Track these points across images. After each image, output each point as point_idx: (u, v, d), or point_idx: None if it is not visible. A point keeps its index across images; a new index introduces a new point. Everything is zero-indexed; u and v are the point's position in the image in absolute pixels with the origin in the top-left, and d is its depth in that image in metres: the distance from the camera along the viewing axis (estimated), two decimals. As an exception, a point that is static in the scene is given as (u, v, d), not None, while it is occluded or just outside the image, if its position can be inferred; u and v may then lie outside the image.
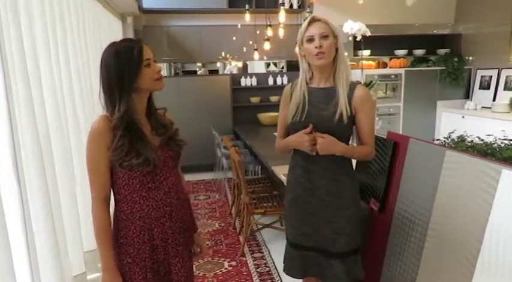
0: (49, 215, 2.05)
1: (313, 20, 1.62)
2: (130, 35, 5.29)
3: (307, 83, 1.70)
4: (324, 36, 1.58)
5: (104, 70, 1.31)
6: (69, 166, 2.51)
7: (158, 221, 1.37)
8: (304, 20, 1.71)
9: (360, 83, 1.69)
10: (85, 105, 2.95)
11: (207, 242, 3.48)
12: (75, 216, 2.54)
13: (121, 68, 1.28)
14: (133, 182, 1.34)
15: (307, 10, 3.46)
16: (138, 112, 1.36)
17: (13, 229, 1.71)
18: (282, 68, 7.27)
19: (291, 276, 1.82)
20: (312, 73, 1.70)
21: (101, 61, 1.33)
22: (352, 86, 1.64)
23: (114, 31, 4.64)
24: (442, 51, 6.10)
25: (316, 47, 1.57)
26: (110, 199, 1.38)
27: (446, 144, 2.45)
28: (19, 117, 1.85)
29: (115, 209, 1.40)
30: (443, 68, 5.81)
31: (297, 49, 1.73)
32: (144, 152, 1.30)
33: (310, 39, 1.60)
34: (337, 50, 1.63)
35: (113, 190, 1.38)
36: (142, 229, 1.36)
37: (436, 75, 5.82)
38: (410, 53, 6.13)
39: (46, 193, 2.03)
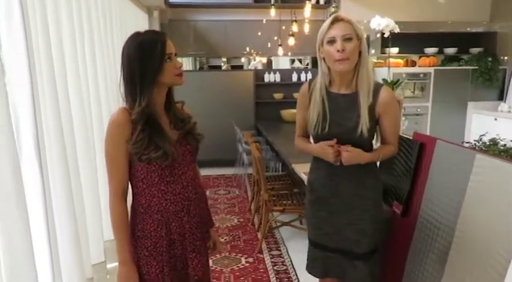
0: (70, 205, 2.09)
1: (336, 20, 1.49)
2: (156, 28, 5.34)
3: (326, 87, 1.60)
4: (347, 39, 1.46)
5: (125, 61, 1.30)
6: (91, 158, 2.55)
7: (176, 215, 1.36)
8: (330, 16, 1.62)
9: (383, 84, 1.61)
10: (109, 98, 3.00)
11: (225, 237, 3.48)
12: (96, 206, 2.59)
13: (144, 62, 1.27)
14: (151, 176, 1.33)
15: (333, 5, 3.37)
16: (157, 106, 1.36)
17: (35, 217, 1.74)
18: (307, 64, 7.18)
19: (313, 276, 1.81)
20: (332, 77, 1.59)
21: (123, 51, 1.31)
22: (376, 89, 1.54)
23: (140, 25, 4.69)
24: (475, 50, 5.84)
25: (338, 51, 1.46)
26: (127, 192, 1.38)
27: (476, 148, 2.33)
28: (44, 110, 1.88)
29: (133, 202, 1.40)
30: (476, 67, 5.57)
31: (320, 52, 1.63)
32: (163, 146, 1.29)
33: (332, 41, 1.48)
34: (360, 53, 1.51)
35: (131, 183, 1.38)
36: (160, 223, 1.35)
37: (468, 75, 5.59)
38: (441, 52, 5.91)
39: (68, 183, 2.07)
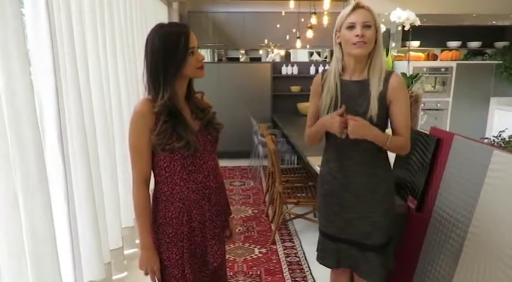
0: (90, 192, 2.16)
1: (357, 7, 1.51)
2: (176, 20, 5.38)
3: (340, 74, 1.62)
4: (367, 26, 1.49)
5: (149, 53, 1.31)
6: (111, 148, 2.62)
7: (197, 203, 1.40)
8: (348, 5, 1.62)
9: (394, 71, 1.60)
10: (129, 89, 3.05)
11: (239, 228, 3.53)
12: (115, 194, 2.67)
13: (168, 54, 1.29)
14: (174, 165, 1.36)
15: (354, -3, 3.34)
16: (179, 97, 1.38)
17: (57, 204, 1.82)
18: (326, 57, 7.11)
19: (324, 266, 1.81)
20: (345, 63, 1.61)
21: (147, 43, 1.33)
22: (387, 76, 1.55)
23: (160, 16, 4.73)
24: (500, 44, 5.66)
25: (357, 35, 1.48)
26: (150, 181, 1.42)
27: (495, 144, 2.28)
28: (66, 100, 1.94)
29: (155, 189, 1.44)
30: (501, 62, 5.40)
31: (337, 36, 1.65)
32: (186, 136, 1.32)
33: (351, 27, 1.50)
34: (375, 42, 1.53)
35: (154, 172, 1.42)
36: (182, 210, 1.38)
37: (492, 70, 5.42)
38: (464, 45, 5.75)
39: (88, 172, 2.13)
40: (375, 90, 1.53)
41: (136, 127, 1.34)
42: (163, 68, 1.30)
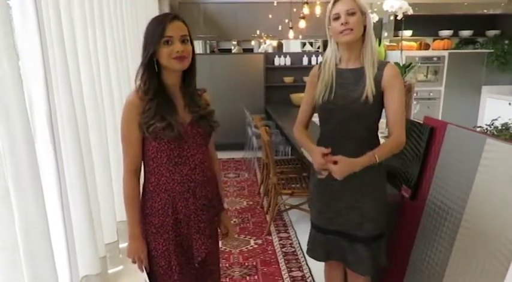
0: (83, 185, 2.13)
1: None
2: (166, 11, 5.30)
3: (336, 64, 1.64)
4: (351, 13, 1.52)
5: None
6: (104, 141, 2.59)
7: (182, 195, 1.40)
8: None
9: (389, 62, 1.61)
10: (120, 80, 3.01)
11: (234, 219, 3.53)
12: (109, 186, 2.65)
13: (146, 39, 1.34)
14: (161, 155, 1.37)
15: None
16: (170, 87, 1.39)
17: (50, 197, 1.80)
18: (318, 47, 7.07)
19: (314, 259, 1.81)
20: (341, 54, 1.64)
21: None
22: (382, 65, 1.57)
23: (150, 7, 4.66)
24: (491, 33, 5.69)
25: (342, 24, 1.51)
26: (140, 170, 1.43)
27: (488, 132, 2.30)
28: (57, 93, 1.91)
29: (144, 180, 1.45)
30: (492, 50, 5.43)
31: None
32: (169, 118, 1.33)
33: (337, 18, 1.54)
34: (365, 27, 1.55)
35: (144, 162, 1.43)
36: (167, 202, 1.39)
37: (483, 59, 5.46)
38: (455, 34, 5.77)
39: (81, 165, 2.11)
40: (369, 73, 1.54)
41: (127, 116, 1.36)
42: (143, 52, 1.34)
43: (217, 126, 1.49)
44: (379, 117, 1.64)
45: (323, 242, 1.74)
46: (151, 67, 1.34)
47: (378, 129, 1.67)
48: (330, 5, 1.58)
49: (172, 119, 1.34)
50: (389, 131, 1.58)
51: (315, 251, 1.79)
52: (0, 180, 1.39)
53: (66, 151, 1.99)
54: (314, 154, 1.53)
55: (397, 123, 1.54)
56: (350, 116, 1.57)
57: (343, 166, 1.44)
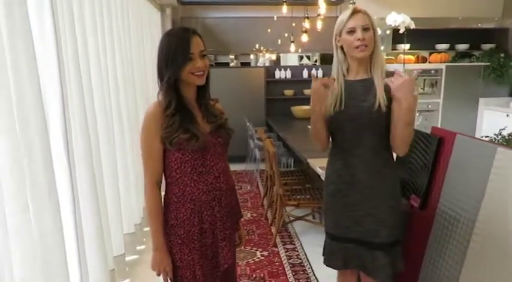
0: (94, 198, 2.15)
1: (355, 11, 1.59)
2: (169, 25, 5.39)
3: (344, 75, 1.68)
4: (366, 29, 1.56)
5: (157, 56, 1.38)
6: (113, 158, 2.61)
7: (208, 204, 1.41)
8: (343, 11, 1.67)
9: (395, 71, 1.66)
10: (127, 92, 3.05)
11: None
12: (117, 200, 2.65)
13: (168, 57, 1.34)
14: (184, 166, 1.38)
15: (350, 1, 3.41)
16: (189, 100, 1.42)
17: (64, 212, 1.80)
18: (315, 61, 7.18)
19: (332, 268, 1.82)
20: (348, 65, 1.68)
21: (158, 45, 1.39)
22: (389, 75, 1.62)
23: (154, 22, 4.74)
24: (486, 46, 5.82)
25: (358, 39, 1.55)
26: (161, 183, 1.44)
27: (496, 142, 2.34)
28: (71, 109, 1.94)
29: (166, 191, 1.46)
30: (488, 63, 5.54)
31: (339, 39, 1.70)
32: (192, 129, 1.35)
33: (351, 31, 1.57)
34: (375, 42, 1.61)
35: (165, 174, 1.43)
36: (193, 212, 1.40)
37: (480, 71, 5.57)
38: (452, 48, 5.89)
39: (93, 181, 2.13)
40: (379, 83, 1.59)
41: (148, 129, 1.37)
42: (165, 68, 1.34)
43: (233, 133, 1.52)
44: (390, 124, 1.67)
45: (341, 250, 1.75)
46: (172, 79, 1.36)
47: (389, 135, 1.70)
48: (344, 17, 1.61)
49: (196, 130, 1.36)
50: None
51: (332, 260, 1.80)
52: (21, 194, 1.40)
53: (79, 165, 2.01)
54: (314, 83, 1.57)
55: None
56: (362, 125, 1.61)
57: (407, 81, 1.48)
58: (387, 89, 1.58)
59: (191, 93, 1.44)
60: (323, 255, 1.83)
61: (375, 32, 1.60)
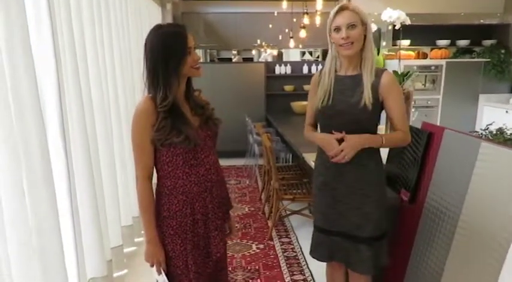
0: (91, 189, 2.19)
1: (341, 9, 1.60)
2: (169, 21, 5.41)
3: (336, 71, 1.71)
4: (351, 26, 1.57)
5: (149, 53, 1.36)
6: (111, 149, 2.65)
7: (200, 195, 1.45)
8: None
9: (386, 69, 1.68)
10: (125, 85, 3.09)
11: (236, 225, 3.58)
12: (115, 191, 2.70)
13: (166, 54, 1.34)
14: (176, 159, 1.41)
15: (344, -3, 3.45)
16: (179, 94, 1.44)
17: (60, 202, 1.85)
18: (318, 56, 7.19)
19: (317, 259, 1.86)
20: (340, 61, 1.70)
21: (146, 43, 1.37)
22: (379, 72, 1.63)
23: (154, 17, 4.77)
24: (487, 42, 5.80)
25: (342, 38, 1.57)
26: (152, 176, 1.47)
27: (483, 137, 2.37)
28: (68, 98, 1.98)
29: (158, 184, 1.49)
30: (488, 60, 5.54)
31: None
32: (185, 131, 1.37)
33: (337, 29, 1.59)
34: (365, 37, 1.61)
35: (156, 167, 1.46)
36: (185, 203, 1.44)
37: (480, 68, 5.56)
38: (453, 44, 5.88)
39: (90, 170, 2.17)
40: (367, 81, 1.61)
41: (140, 125, 1.39)
42: (162, 68, 1.34)
43: (220, 123, 1.55)
44: (378, 122, 1.70)
45: (326, 243, 1.79)
46: (172, 79, 1.37)
47: (375, 130, 1.73)
48: (331, 15, 1.63)
49: (188, 131, 1.38)
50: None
51: (318, 252, 1.84)
52: (17, 182, 1.45)
53: (76, 155, 2.06)
54: (328, 143, 1.61)
55: (402, 126, 1.63)
56: (349, 121, 1.63)
57: (351, 141, 1.55)
58: (374, 88, 1.60)
59: (183, 87, 1.46)
60: (310, 246, 1.87)
61: (366, 26, 1.60)
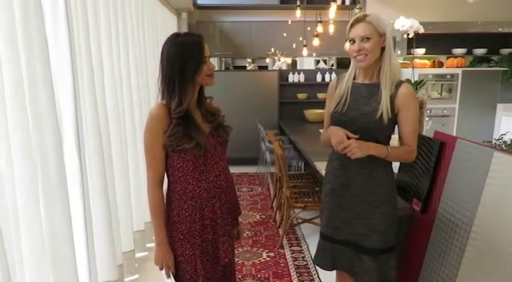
0: (104, 194, 2.23)
1: (356, 21, 1.60)
2: (185, 30, 5.51)
3: (355, 78, 1.71)
4: (366, 38, 1.56)
5: (165, 60, 1.40)
6: (124, 156, 2.70)
7: (209, 201, 1.47)
8: (353, 16, 1.70)
9: (405, 81, 1.66)
10: (140, 94, 3.15)
11: (247, 232, 3.58)
12: (128, 197, 2.74)
13: (183, 62, 1.37)
14: (187, 165, 1.44)
15: (357, 6, 3.43)
16: (191, 102, 1.47)
17: (74, 207, 1.89)
18: (332, 65, 7.18)
19: (320, 267, 1.84)
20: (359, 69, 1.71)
21: (163, 51, 1.41)
22: (398, 84, 1.61)
23: (170, 26, 4.86)
24: (505, 51, 5.69)
25: (355, 51, 1.58)
26: (163, 181, 1.49)
27: (497, 146, 2.32)
28: (83, 106, 2.03)
29: (168, 189, 1.52)
30: (506, 68, 5.43)
31: (346, 45, 1.74)
32: (196, 138, 1.40)
33: (352, 41, 1.60)
34: (384, 47, 1.59)
35: (167, 172, 1.50)
36: (194, 208, 1.46)
37: (498, 76, 5.45)
38: (469, 52, 5.79)
39: (103, 177, 2.21)
40: (385, 92, 1.58)
41: (152, 130, 1.42)
42: (178, 75, 1.38)
43: (230, 130, 1.57)
44: (391, 133, 1.68)
45: (330, 250, 1.78)
46: (187, 87, 1.41)
47: (388, 142, 1.72)
48: (347, 27, 1.63)
49: (199, 138, 1.40)
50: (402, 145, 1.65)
51: (321, 259, 1.82)
52: (32, 188, 1.49)
53: (90, 161, 2.10)
54: (338, 129, 1.60)
55: (411, 142, 1.61)
56: (361, 129, 1.61)
57: (359, 142, 1.53)
58: (391, 100, 1.58)
59: (195, 95, 1.49)
60: (315, 254, 1.86)
61: (384, 37, 1.58)
